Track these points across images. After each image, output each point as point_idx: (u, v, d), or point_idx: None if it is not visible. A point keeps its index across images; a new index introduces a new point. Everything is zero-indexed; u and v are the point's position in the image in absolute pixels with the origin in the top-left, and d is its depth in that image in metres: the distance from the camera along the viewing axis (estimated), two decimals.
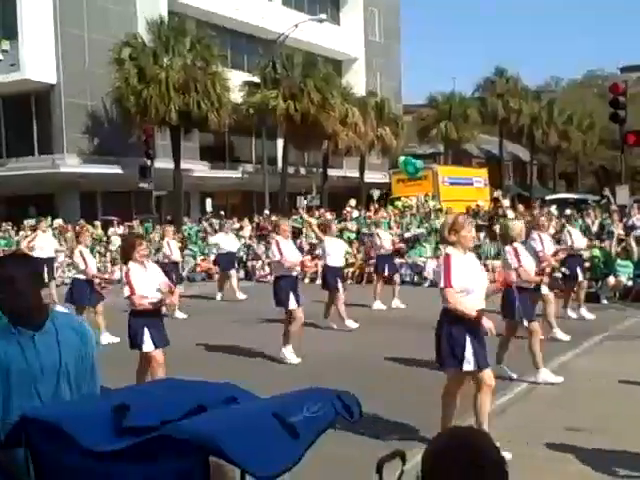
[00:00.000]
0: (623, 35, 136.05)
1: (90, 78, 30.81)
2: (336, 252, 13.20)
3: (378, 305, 14.68)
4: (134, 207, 31.64)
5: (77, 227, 18.68)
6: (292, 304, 10.06)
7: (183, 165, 31.67)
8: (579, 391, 7.90)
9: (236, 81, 33.23)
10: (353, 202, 26.52)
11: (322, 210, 27.74)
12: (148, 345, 7.35)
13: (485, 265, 18.58)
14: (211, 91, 30.22)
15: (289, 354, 9.95)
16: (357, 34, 46.30)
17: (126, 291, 7.28)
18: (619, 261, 15.96)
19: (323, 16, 34.07)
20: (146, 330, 7.32)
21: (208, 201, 32.96)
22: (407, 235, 21.08)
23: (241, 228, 24.44)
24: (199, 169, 35.18)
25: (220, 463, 2.22)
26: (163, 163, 30.38)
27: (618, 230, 17.52)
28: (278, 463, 2.08)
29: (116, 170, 30.94)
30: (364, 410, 2.58)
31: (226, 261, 17.63)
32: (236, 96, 33.11)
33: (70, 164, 30.89)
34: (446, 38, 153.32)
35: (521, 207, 23.68)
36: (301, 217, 25.06)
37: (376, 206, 26.21)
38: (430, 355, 9.61)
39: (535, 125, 54.00)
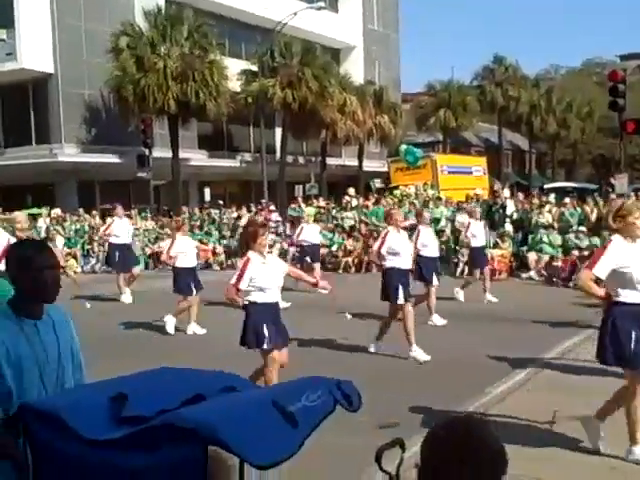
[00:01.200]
0: (622, 23, 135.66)
1: (88, 67, 30.72)
2: (432, 242, 12.14)
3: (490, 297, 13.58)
4: (132, 196, 31.58)
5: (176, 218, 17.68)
6: (401, 299, 9.22)
7: (181, 154, 31.61)
8: (578, 379, 7.90)
9: (234, 70, 33.12)
10: (352, 191, 26.48)
11: (321, 199, 27.71)
12: (267, 343, 6.72)
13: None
14: (209, 80, 30.12)
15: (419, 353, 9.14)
16: (356, 22, 46.12)
17: (233, 279, 6.74)
18: None
19: (321, 4, 33.85)
20: (265, 327, 6.71)
21: (206, 190, 32.95)
22: (405, 224, 21.00)
23: (239, 217, 24.39)
24: (197, 158, 35.12)
25: (219, 452, 2.21)
26: (161, 152, 30.32)
27: None
28: (277, 452, 2.07)
29: (114, 159, 30.89)
30: (363, 399, 2.57)
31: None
32: (234, 85, 33.03)
33: (68, 153, 30.83)
34: (445, 26, 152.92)
35: (520, 196, 23.64)
36: (299, 206, 25.03)
37: (376, 195, 26.16)
38: (435, 345, 9.67)
39: (534, 113, 53.99)
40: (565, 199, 20.49)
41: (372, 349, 9.58)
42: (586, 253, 16.78)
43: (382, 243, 9.44)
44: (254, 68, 33.90)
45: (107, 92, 31.10)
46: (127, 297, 15.23)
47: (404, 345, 9.31)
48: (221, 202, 28.62)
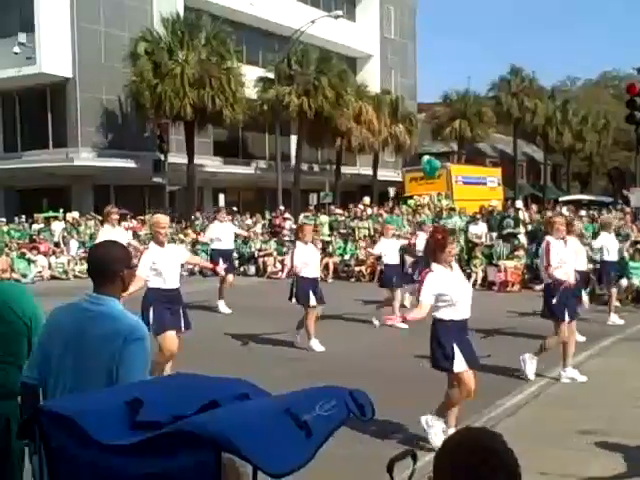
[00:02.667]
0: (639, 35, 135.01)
1: (105, 72, 30.94)
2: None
3: (615, 319, 12.78)
4: (147, 201, 31.73)
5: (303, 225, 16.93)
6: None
7: (197, 160, 31.74)
8: (592, 392, 7.87)
9: (251, 77, 33.26)
10: (367, 200, 26.50)
11: (334, 207, 27.73)
12: (459, 364, 6.13)
13: (497, 265, 18.59)
14: (226, 86, 30.26)
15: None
16: (373, 31, 46.23)
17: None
18: (631, 263, 15.88)
19: (339, 12, 34.02)
20: (455, 346, 6.11)
21: (221, 196, 33.04)
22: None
23: (254, 224, 24.49)
24: (212, 164, 35.26)
25: (232, 459, 2.22)
26: (177, 158, 30.46)
27: (634, 232, 17.43)
28: (291, 461, 2.07)
29: (130, 164, 31.05)
30: (376, 409, 2.58)
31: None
32: (250, 92, 33.15)
33: (84, 158, 31.03)
34: (462, 37, 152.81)
35: (534, 208, 23.58)
36: (313, 215, 25.07)
37: (390, 204, 26.16)
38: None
39: (550, 125, 53.82)
40: (580, 212, 20.45)
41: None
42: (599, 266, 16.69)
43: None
44: (271, 75, 34.03)
45: (124, 97, 31.29)
46: (224, 307, 14.47)
47: (412, 354, 9.27)
48: (235, 208, 28.70)
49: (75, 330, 3.25)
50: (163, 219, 8.51)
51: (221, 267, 11.60)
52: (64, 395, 3.11)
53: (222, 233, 14.73)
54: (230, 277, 14.79)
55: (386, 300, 12.89)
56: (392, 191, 29.99)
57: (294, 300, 10.70)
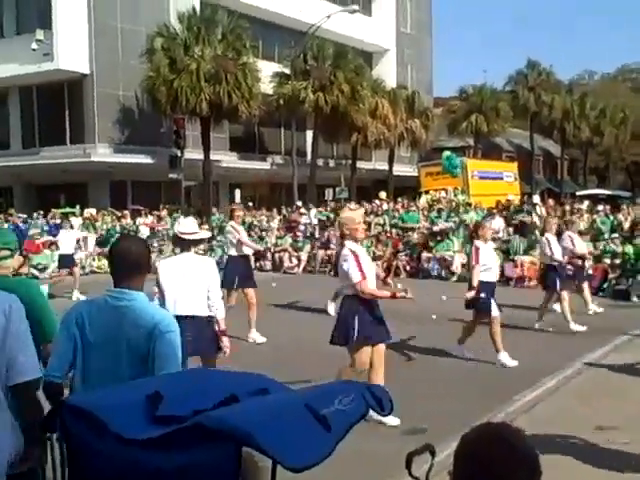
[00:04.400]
0: None
1: (122, 68, 31.04)
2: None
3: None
4: (164, 197, 31.83)
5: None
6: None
7: (212, 156, 31.77)
8: (609, 388, 7.83)
9: (267, 72, 33.22)
10: (383, 194, 26.46)
11: (351, 202, 27.69)
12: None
13: (514, 260, 18.52)
14: (242, 82, 30.23)
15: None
16: (389, 26, 46.08)
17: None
18: None
19: (355, 7, 33.89)
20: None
21: (237, 192, 33.06)
22: (435, 229, 21.00)
23: (270, 219, 24.53)
24: (228, 160, 35.29)
25: (251, 454, 2.24)
26: (193, 154, 30.51)
27: None
28: (310, 455, 2.08)
29: (146, 160, 31.15)
30: (395, 403, 2.59)
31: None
32: (266, 87, 33.12)
33: (101, 153, 31.15)
34: (478, 31, 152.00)
35: (551, 202, 23.45)
36: (329, 210, 25.05)
37: (405, 201, 26.11)
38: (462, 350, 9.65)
39: (567, 119, 53.44)
40: (598, 206, 20.33)
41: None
42: (618, 261, 16.61)
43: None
44: (287, 71, 33.99)
45: (141, 93, 31.38)
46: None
47: (441, 350, 9.29)
48: (251, 204, 28.71)
49: (107, 325, 3.29)
50: (357, 214, 7.27)
51: None
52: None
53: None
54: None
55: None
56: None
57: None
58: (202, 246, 15.59)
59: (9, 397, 2.99)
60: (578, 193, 40.06)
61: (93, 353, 3.29)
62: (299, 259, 22.09)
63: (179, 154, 28.20)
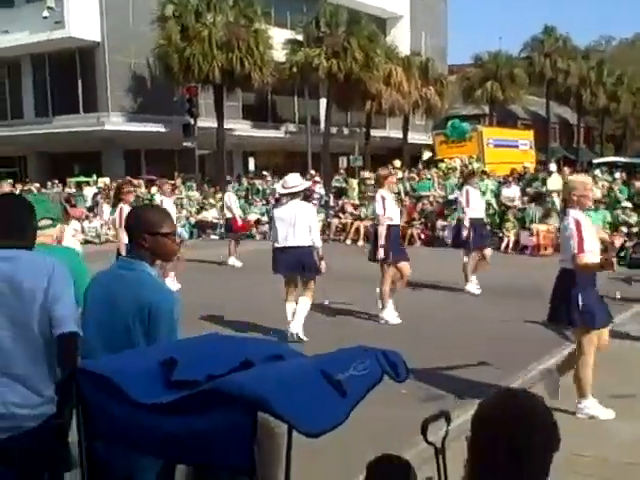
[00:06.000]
0: None
1: (134, 36, 30.86)
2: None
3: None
4: (177, 166, 31.83)
5: None
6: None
7: (226, 124, 31.69)
8: (625, 357, 7.79)
9: (279, 39, 32.97)
10: (398, 163, 26.30)
11: (365, 170, 27.58)
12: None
13: (529, 229, 18.40)
14: (254, 49, 30.05)
15: None
16: None
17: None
18: None
19: None
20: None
21: (251, 160, 33.02)
22: (450, 197, 20.87)
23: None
24: (241, 128, 35.20)
25: (267, 419, 2.22)
26: (206, 122, 30.43)
27: None
28: (326, 420, 2.07)
29: (160, 128, 31.12)
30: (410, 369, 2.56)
31: None
32: (279, 54, 32.89)
33: (114, 122, 31.14)
34: None
35: (567, 170, 23.22)
36: (343, 177, 24.95)
37: (420, 167, 25.94)
38: (478, 319, 9.63)
39: (583, 86, 52.81)
40: (615, 174, 20.13)
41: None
42: (635, 230, 16.47)
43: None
44: (299, 38, 33.70)
45: (153, 61, 31.24)
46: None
47: (459, 318, 9.27)
48: (265, 172, 28.63)
49: (107, 297, 3.29)
50: (589, 180, 6.84)
51: None
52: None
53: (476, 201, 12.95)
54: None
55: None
56: (426, 154, 29.53)
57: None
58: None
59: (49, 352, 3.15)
60: (595, 161, 39.68)
61: (91, 323, 3.30)
62: None
63: (192, 122, 28.14)
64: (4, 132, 31.55)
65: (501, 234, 18.84)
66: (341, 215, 22.20)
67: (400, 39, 43.23)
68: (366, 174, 25.82)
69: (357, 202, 22.76)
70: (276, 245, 8.90)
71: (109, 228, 22.52)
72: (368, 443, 4.73)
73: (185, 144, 28.47)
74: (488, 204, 19.92)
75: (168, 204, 15.78)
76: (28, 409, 3.10)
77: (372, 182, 23.91)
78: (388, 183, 10.04)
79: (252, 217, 22.64)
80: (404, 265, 9.97)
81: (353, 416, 2.21)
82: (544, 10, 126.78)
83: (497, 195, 20.36)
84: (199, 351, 2.55)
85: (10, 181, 23.03)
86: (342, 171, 28.89)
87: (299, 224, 8.62)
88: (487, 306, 10.83)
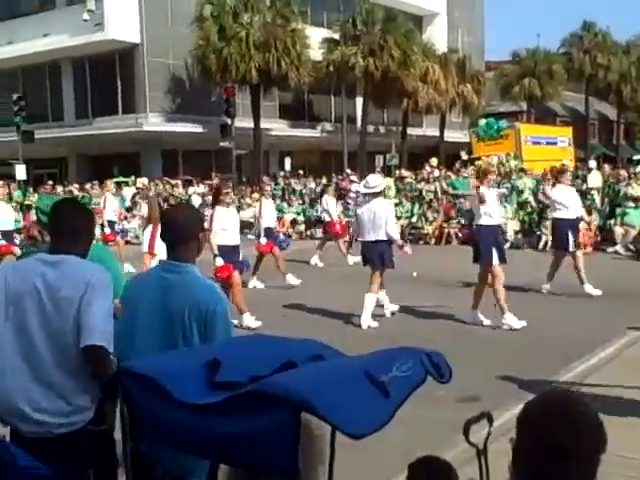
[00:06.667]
0: None
1: (172, 37, 31.16)
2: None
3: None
4: (215, 166, 32.04)
5: None
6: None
7: (262, 124, 31.82)
8: None
9: (316, 38, 33.01)
10: (435, 161, 26.16)
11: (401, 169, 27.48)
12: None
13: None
14: (291, 49, 30.15)
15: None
16: None
17: None
18: None
19: None
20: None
21: (287, 160, 33.08)
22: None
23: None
24: (278, 128, 35.29)
25: (309, 421, 2.23)
26: (243, 122, 30.59)
27: None
28: (370, 422, 2.07)
29: (197, 129, 31.34)
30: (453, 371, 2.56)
31: None
32: (316, 53, 32.93)
33: (153, 122, 31.45)
34: None
35: (607, 167, 22.89)
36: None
37: (457, 166, 25.74)
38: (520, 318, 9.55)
39: (624, 82, 51.90)
40: None
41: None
42: None
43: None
44: (336, 36, 33.73)
45: (191, 62, 31.49)
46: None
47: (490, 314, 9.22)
48: (301, 172, 28.65)
49: (157, 301, 3.29)
50: None
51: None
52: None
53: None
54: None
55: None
56: (464, 154, 29.33)
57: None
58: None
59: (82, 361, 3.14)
60: (635, 157, 39.02)
61: (139, 326, 3.32)
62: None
63: (230, 123, 28.30)
64: (45, 134, 32.01)
65: (539, 232, 18.65)
66: None
67: (437, 36, 43.03)
68: (404, 172, 25.71)
69: (394, 200, 22.68)
70: (360, 240, 10.06)
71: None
72: (409, 443, 4.73)
73: (222, 144, 28.64)
74: (526, 202, 19.80)
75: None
76: (57, 417, 3.13)
77: (410, 181, 23.90)
78: (488, 180, 9.85)
79: (288, 217, 22.67)
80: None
81: (395, 416, 2.21)
82: (583, 6, 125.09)
83: (535, 193, 20.14)
84: (243, 352, 2.57)
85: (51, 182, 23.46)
86: (379, 170, 28.80)
87: (377, 221, 9.48)
88: (524, 304, 10.69)
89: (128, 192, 25.96)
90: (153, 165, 31.90)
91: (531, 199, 19.94)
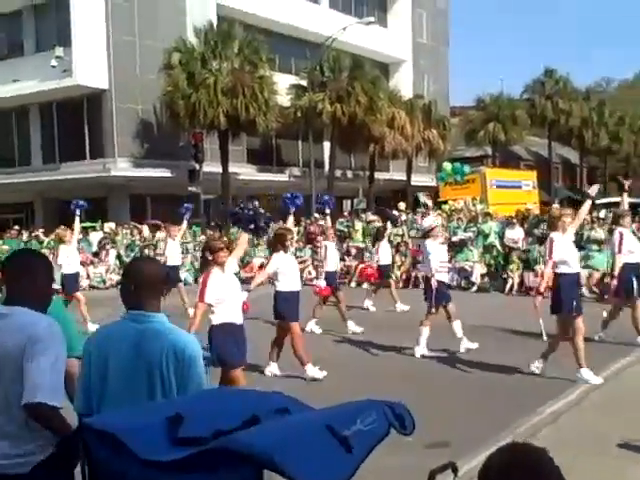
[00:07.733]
0: None
1: (141, 83, 31.25)
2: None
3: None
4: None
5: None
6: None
7: (231, 168, 31.90)
8: (635, 399, 7.74)
9: (283, 84, 33.35)
10: (403, 205, 26.42)
11: (369, 213, 27.66)
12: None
13: (534, 270, 18.37)
14: (259, 95, 30.38)
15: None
16: (405, 36, 46.12)
17: None
18: None
19: (371, 19, 33.98)
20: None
21: (255, 204, 33.10)
22: (454, 239, 20.91)
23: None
24: (246, 172, 35.38)
25: (272, 476, 2.22)
26: (211, 167, 30.65)
27: None
28: (331, 477, 2.07)
29: (165, 174, 31.32)
30: (418, 418, 2.57)
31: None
32: (283, 99, 33.24)
33: (121, 168, 31.34)
34: (494, 40, 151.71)
35: (569, 211, 23.30)
36: (347, 221, 25.01)
37: (423, 210, 26.00)
38: (485, 361, 9.59)
39: (585, 127, 53.17)
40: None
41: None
42: None
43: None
44: (303, 83, 34.11)
45: (159, 107, 31.58)
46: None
47: (458, 364, 9.21)
48: (269, 215, 28.63)
49: (131, 352, 3.27)
50: None
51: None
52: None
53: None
54: None
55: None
56: (422, 196, 29.73)
57: None
58: None
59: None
60: (598, 201, 39.72)
61: (112, 378, 3.29)
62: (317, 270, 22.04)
63: (198, 167, 28.35)
64: (12, 179, 31.81)
65: (505, 276, 18.84)
66: (346, 258, 22.23)
67: (403, 83, 43.74)
68: (371, 217, 25.88)
69: (361, 245, 22.81)
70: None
71: (113, 272, 22.60)
72: None
73: (190, 189, 28.64)
74: (492, 246, 20.04)
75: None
76: (7, 460, 3.12)
77: (377, 224, 24.04)
78: (563, 224, 9.17)
79: (256, 261, 22.64)
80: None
81: (361, 466, 2.21)
82: (544, 53, 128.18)
83: (501, 237, 20.40)
84: (205, 406, 2.55)
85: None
86: (346, 214, 28.99)
87: (425, 258, 10.94)
88: (487, 350, 10.75)
89: (95, 237, 25.81)
90: (120, 209, 31.73)
91: (497, 242, 20.19)
